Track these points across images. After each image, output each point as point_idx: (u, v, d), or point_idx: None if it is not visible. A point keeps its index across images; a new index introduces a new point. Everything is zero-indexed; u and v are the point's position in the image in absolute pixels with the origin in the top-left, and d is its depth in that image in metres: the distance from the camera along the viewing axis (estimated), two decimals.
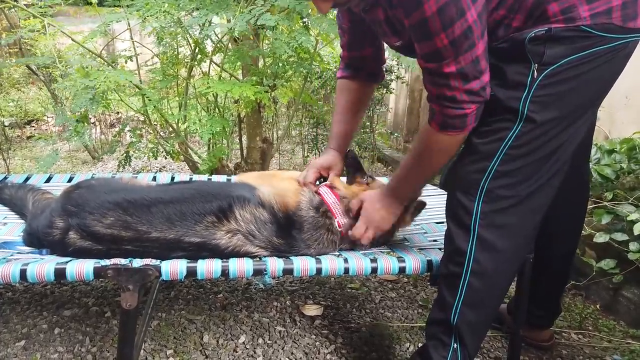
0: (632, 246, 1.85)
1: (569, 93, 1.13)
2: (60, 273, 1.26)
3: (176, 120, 2.81)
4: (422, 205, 1.55)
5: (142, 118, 3.16)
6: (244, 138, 3.32)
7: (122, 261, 1.28)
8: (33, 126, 5.43)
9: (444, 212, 1.48)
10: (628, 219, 1.84)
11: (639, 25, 1.09)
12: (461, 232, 1.24)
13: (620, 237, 1.90)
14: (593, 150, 2.14)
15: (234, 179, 1.82)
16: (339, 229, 1.47)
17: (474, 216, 1.21)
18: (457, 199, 1.25)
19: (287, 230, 1.44)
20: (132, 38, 2.83)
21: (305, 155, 4.11)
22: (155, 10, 2.35)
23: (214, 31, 2.91)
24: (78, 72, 2.82)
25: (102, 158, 4.30)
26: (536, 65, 1.10)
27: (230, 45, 2.86)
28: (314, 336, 1.78)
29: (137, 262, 1.28)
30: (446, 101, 1.13)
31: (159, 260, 1.30)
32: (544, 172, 1.20)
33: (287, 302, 2.00)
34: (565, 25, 1.07)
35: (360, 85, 1.57)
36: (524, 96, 1.12)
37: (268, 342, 1.74)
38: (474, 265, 1.23)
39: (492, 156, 1.18)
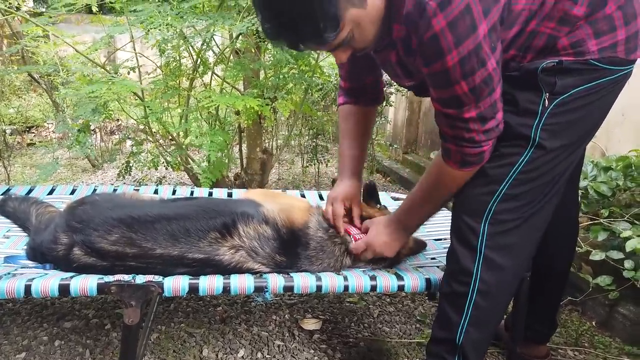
0: (627, 264, 1.88)
1: (577, 122, 1.17)
2: (64, 289, 1.28)
3: (177, 133, 2.83)
4: (423, 245, 1.59)
5: (142, 126, 3.18)
6: (244, 148, 3.34)
7: (125, 277, 1.30)
8: (33, 132, 5.45)
9: (442, 229, 1.49)
10: (622, 235, 1.86)
11: (638, 56, 1.16)
12: (467, 252, 1.26)
13: (615, 255, 1.92)
14: (590, 167, 2.17)
15: (242, 194, 1.84)
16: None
17: (480, 237, 1.24)
18: (463, 220, 1.27)
19: (291, 247, 1.45)
20: (134, 49, 2.85)
21: (305, 165, 4.13)
22: (159, 23, 2.38)
23: (216, 43, 2.95)
24: (79, 80, 2.84)
25: (102, 166, 4.31)
26: (547, 94, 1.14)
27: (232, 57, 2.90)
28: (312, 351, 1.79)
29: (140, 279, 1.30)
30: (464, 142, 1.15)
31: (161, 277, 1.32)
32: (547, 194, 1.24)
33: (286, 315, 2.01)
34: (575, 58, 1.11)
35: (363, 109, 1.56)
36: (535, 123, 1.15)
37: (267, 356, 1.75)
38: (480, 285, 1.25)
39: (501, 180, 1.21)
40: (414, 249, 1.63)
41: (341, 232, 1.50)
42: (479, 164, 1.20)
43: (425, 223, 1.45)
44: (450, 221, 1.32)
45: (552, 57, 1.13)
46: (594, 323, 2.07)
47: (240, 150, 3.37)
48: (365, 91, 1.54)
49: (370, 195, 1.68)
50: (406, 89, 1.33)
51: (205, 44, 2.73)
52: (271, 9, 1.01)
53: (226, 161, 2.75)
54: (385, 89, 3.68)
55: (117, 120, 5.05)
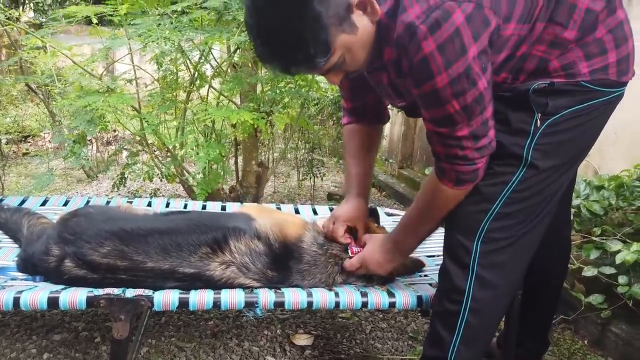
0: (621, 279, 1.88)
1: (569, 142, 1.19)
2: (53, 302, 1.27)
3: (173, 146, 2.84)
4: (419, 265, 1.59)
5: (138, 137, 3.19)
6: (240, 160, 3.35)
7: (115, 291, 1.29)
8: (29, 142, 5.44)
9: (434, 246, 1.49)
10: (612, 249, 1.87)
11: (630, 78, 1.18)
12: (460, 270, 1.26)
13: (608, 270, 1.92)
14: (582, 186, 2.18)
15: (239, 208, 1.84)
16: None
17: (472, 255, 1.24)
18: (456, 238, 1.27)
19: (283, 261, 1.45)
20: (132, 61, 2.87)
21: (301, 178, 4.13)
22: (157, 37, 2.40)
23: (213, 56, 2.97)
24: (76, 91, 2.85)
25: (97, 177, 4.30)
26: (539, 114, 1.15)
27: (229, 70, 2.92)
28: None
29: (130, 292, 1.29)
30: (458, 159, 1.15)
31: (151, 291, 1.31)
32: (539, 213, 1.25)
33: (278, 330, 2.00)
34: (566, 80, 1.13)
35: (366, 128, 1.55)
36: (527, 143, 1.17)
37: None
38: (472, 304, 1.25)
39: (494, 198, 1.21)
40: (410, 267, 1.63)
41: (344, 243, 1.51)
42: (473, 182, 1.20)
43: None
44: (442, 238, 1.32)
45: (543, 78, 1.14)
46: (586, 342, 2.07)
47: (236, 162, 3.38)
48: (367, 110, 1.54)
49: (370, 215, 1.66)
50: (398, 109, 1.35)
51: (203, 57, 2.75)
52: (263, 36, 1.03)
53: (222, 173, 2.75)
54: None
55: (114, 130, 5.05)
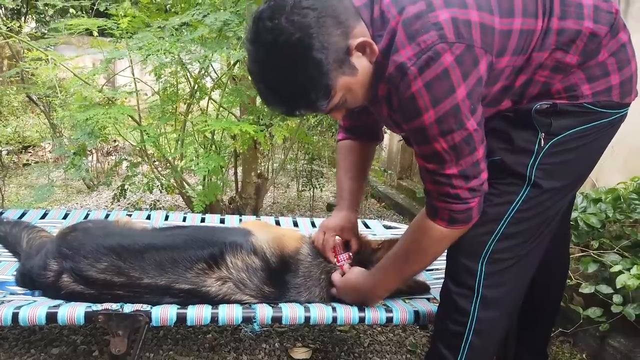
0: (616, 298, 1.89)
1: (572, 162, 1.19)
2: (51, 317, 1.28)
3: (173, 157, 2.85)
4: (424, 288, 1.59)
5: (138, 149, 3.21)
6: (239, 171, 3.36)
7: (113, 306, 1.30)
8: (29, 152, 5.46)
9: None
10: (612, 270, 1.87)
11: (633, 100, 1.18)
12: (464, 292, 1.25)
13: (605, 289, 1.93)
14: (580, 199, 2.19)
15: (238, 225, 1.85)
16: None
17: (477, 277, 1.23)
18: (460, 261, 1.26)
19: (280, 275, 1.46)
20: (133, 74, 2.90)
21: (300, 189, 4.14)
22: (157, 49, 2.42)
23: (213, 69, 2.99)
24: (77, 101, 2.87)
25: (97, 188, 4.31)
26: (543, 134, 1.15)
27: (229, 82, 2.94)
28: None
29: (128, 307, 1.30)
30: (449, 198, 1.14)
31: (149, 306, 1.32)
32: (542, 232, 1.25)
33: (276, 344, 2.00)
34: (569, 101, 1.13)
35: (362, 144, 1.56)
36: (530, 162, 1.17)
37: None
38: (477, 325, 1.25)
39: (500, 219, 1.21)
40: (415, 289, 1.60)
41: (332, 261, 1.50)
42: (466, 223, 1.18)
43: None
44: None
45: (546, 99, 1.15)
46: (584, 355, 2.06)
47: (236, 174, 3.39)
48: (364, 129, 1.54)
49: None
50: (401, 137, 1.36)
51: (203, 69, 2.78)
52: (266, 84, 1.06)
53: (221, 185, 2.76)
54: None
55: (115, 141, 5.07)
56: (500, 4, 1.05)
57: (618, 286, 1.78)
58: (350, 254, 1.52)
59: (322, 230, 1.55)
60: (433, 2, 1.00)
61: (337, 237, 1.55)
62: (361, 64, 1.06)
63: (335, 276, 1.48)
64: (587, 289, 1.94)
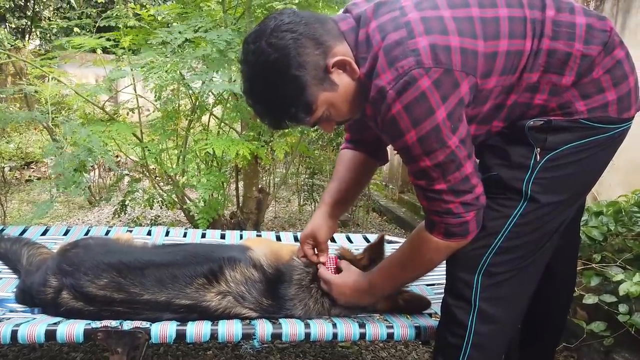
0: (622, 308, 1.87)
1: (570, 177, 1.19)
2: (50, 335, 1.27)
3: (174, 174, 2.86)
4: (425, 303, 1.57)
5: (140, 165, 3.22)
6: (240, 186, 3.37)
7: (112, 323, 1.29)
8: (32, 168, 5.48)
9: (434, 274, 1.48)
10: (614, 279, 1.86)
11: (633, 115, 1.18)
12: (462, 305, 1.25)
13: (609, 298, 1.91)
14: None
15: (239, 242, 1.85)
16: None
17: (474, 290, 1.23)
18: (457, 274, 1.26)
19: (275, 286, 1.45)
20: (135, 90, 2.92)
21: (302, 204, 4.14)
22: (158, 70, 2.44)
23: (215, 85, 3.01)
24: (80, 118, 2.89)
25: (99, 203, 4.32)
26: (538, 149, 1.16)
27: (230, 98, 2.96)
28: None
29: (127, 324, 1.29)
30: (443, 213, 1.16)
31: (148, 323, 1.31)
32: (541, 247, 1.25)
33: None
34: (564, 118, 1.14)
35: (362, 157, 1.54)
36: (527, 177, 1.17)
37: None
38: (475, 338, 1.25)
39: (496, 233, 1.21)
40: (412, 304, 1.58)
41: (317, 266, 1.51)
42: (463, 237, 1.19)
43: None
44: (443, 266, 1.32)
45: (541, 116, 1.16)
46: None
47: (237, 189, 3.40)
48: (367, 143, 1.54)
49: (377, 248, 1.62)
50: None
51: (205, 85, 2.80)
52: (254, 99, 1.17)
53: (222, 200, 2.77)
54: None
55: (117, 156, 5.09)
56: (485, 28, 1.09)
57: (621, 293, 1.77)
58: (333, 256, 1.52)
59: (301, 240, 1.56)
60: (414, 29, 1.06)
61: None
62: (342, 80, 1.14)
63: (323, 271, 1.47)
64: (590, 299, 1.92)
